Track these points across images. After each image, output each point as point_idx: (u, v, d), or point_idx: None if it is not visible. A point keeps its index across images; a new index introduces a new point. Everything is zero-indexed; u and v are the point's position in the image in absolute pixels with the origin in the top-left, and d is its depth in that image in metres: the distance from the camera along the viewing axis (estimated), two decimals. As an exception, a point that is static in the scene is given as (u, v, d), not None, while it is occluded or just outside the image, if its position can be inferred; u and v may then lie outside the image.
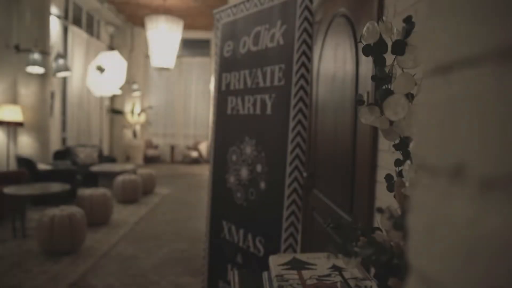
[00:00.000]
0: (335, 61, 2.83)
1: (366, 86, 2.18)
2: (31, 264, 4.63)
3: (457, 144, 0.33)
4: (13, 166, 7.51)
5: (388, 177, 1.06)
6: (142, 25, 12.81)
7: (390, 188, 1.05)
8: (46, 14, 8.19)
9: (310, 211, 3.47)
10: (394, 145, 1.01)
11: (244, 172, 2.93)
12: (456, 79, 0.34)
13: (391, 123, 0.98)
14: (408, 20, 0.94)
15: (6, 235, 5.66)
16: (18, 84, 7.82)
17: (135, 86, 14.34)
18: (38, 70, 7.70)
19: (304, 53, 2.54)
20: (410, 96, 0.94)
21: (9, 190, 5.59)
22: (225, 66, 3.20)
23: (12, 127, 7.55)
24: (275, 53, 2.72)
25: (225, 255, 3.11)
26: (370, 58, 1.04)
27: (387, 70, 0.99)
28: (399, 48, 0.95)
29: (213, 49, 14.02)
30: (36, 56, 7.55)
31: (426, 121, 0.38)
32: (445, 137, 0.34)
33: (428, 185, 0.36)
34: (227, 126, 3.16)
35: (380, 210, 0.87)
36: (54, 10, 9.19)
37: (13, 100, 7.77)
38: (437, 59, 0.37)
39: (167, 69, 11.08)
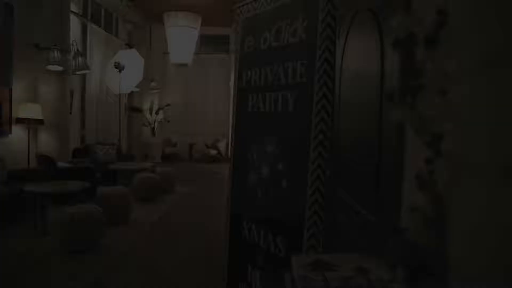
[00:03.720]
0: (359, 56, 2.77)
1: (393, 82, 2.12)
2: (51, 261, 4.67)
3: (508, 142, 0.30)
4: (33, 163, 7.59)
5: (418, 176, 1.02)
6: (160, 22, 12.86)
7: (420, 187, 1.01)
8: (65, 12, 8.27)
9: (333, 211, 3.41)
10: (425, 143, 0.97)
11: (265, 171, 2.89)
12: (504, 74, 0.31)
13: (422, 119, 0.94)
14: (441, 12, 0.90)
15: (27, 232, 5.71)
16: (38, 82, 7.92)
17: (153, 84, 14.40)
18: (58, 68, 7.79)
19: (327, 48, 2.49)
20: (442, 92, 0.90)
21: (29, 187, 5.65)
22: (246, 62, 3.16)
23: (33, 125, 7.63)
24: (297, 49, 2.67)
25: (246, 255, 3.08)
26: (396, 53, 1.01)
27: (417, 65, 0.95)
28: (431, 42, 0.91)
29: (233, 45, 14.01)
30: (56, 54, 7.63)
31: (470, 118, 0.35)
32: (493, 135, 0.32)
33: (473, 184, 0.33)
34: (247, 124, 3.13)
35: (414, 210, 0.84)
36: (73, 8, 9.27)
37: (34, 98, 7.86)
38: (482, 53, 0.34)
39: (185, 65, 11.11)
